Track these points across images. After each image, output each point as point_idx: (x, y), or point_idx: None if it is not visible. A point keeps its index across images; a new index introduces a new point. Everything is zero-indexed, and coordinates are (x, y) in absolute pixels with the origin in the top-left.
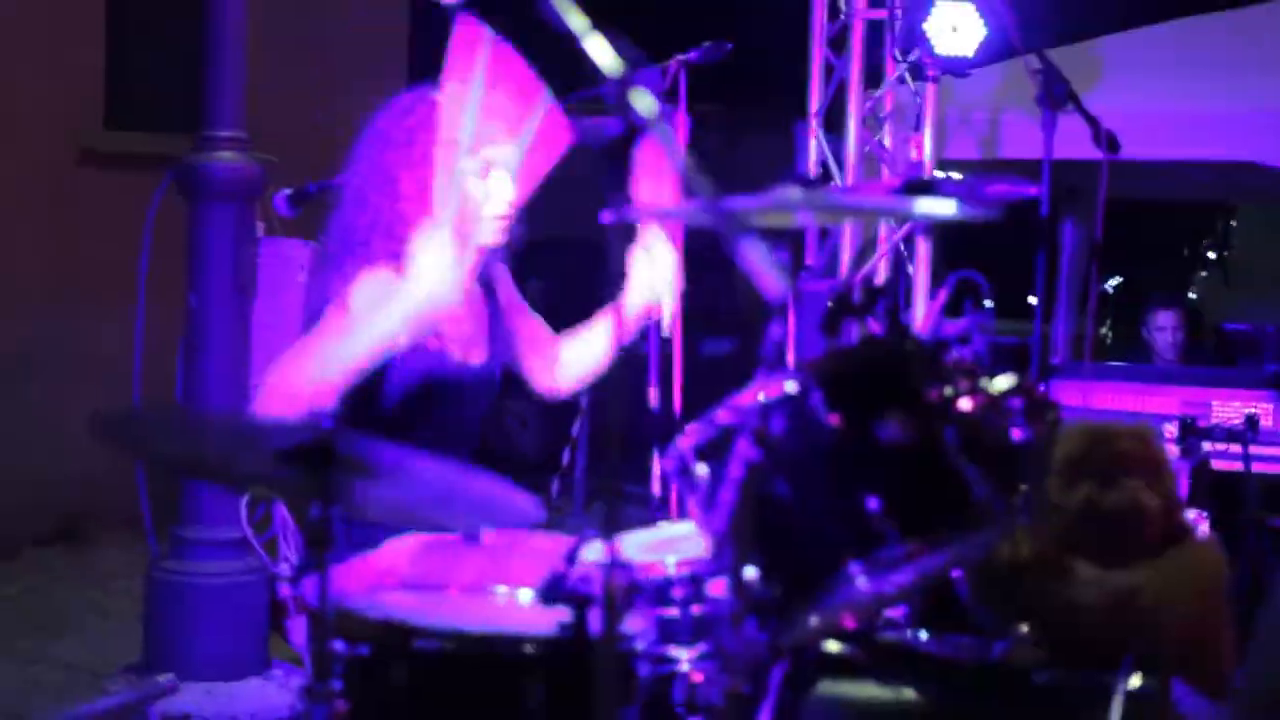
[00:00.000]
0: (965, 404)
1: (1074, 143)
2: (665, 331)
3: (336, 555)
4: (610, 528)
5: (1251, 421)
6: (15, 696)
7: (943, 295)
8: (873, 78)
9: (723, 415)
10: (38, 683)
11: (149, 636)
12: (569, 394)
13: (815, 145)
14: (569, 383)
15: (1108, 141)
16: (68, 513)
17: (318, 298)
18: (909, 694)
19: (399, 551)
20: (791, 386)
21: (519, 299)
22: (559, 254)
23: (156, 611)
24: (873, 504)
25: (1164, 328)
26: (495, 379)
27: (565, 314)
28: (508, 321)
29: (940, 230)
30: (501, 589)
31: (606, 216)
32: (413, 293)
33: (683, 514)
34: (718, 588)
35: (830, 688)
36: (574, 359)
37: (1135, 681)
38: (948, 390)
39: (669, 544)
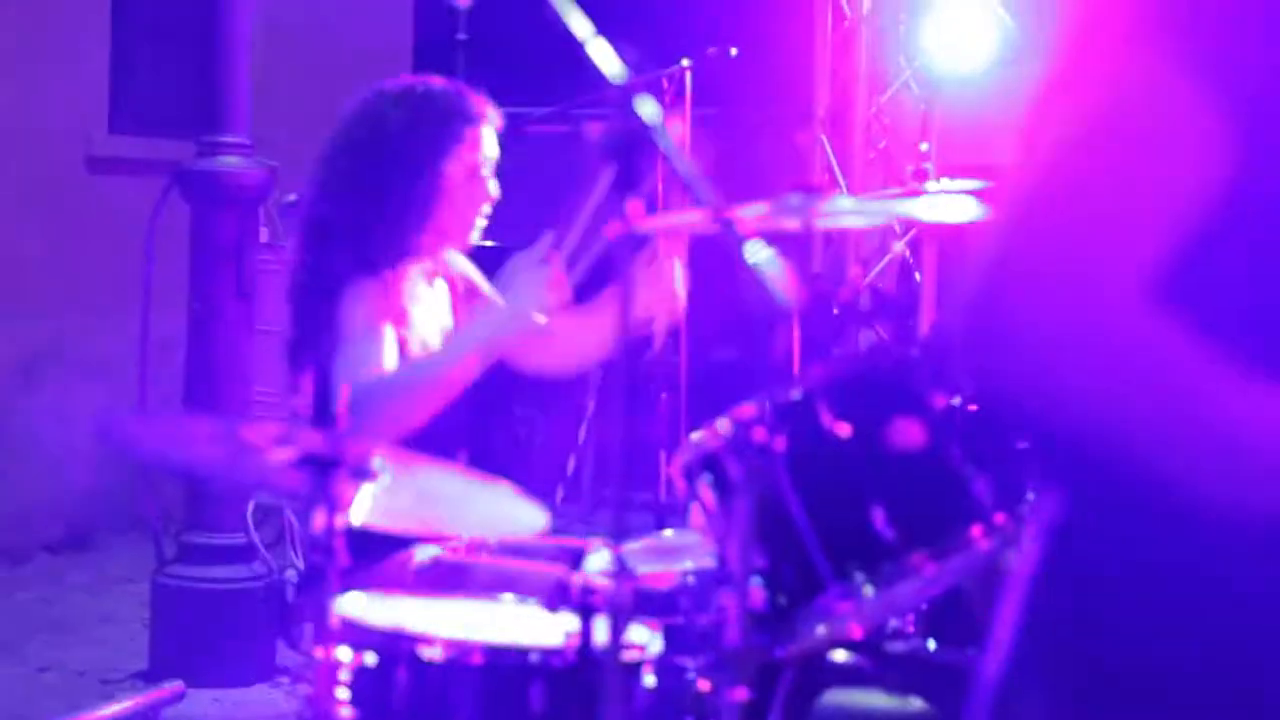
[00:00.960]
0: (972, 410)
1: None
2: (657, 346)
3: (343, 563)
4: (616, 536)
5: None
6: (23, 702)
7: None
8: (878, 83)
9: (729, 423)
10: (46, 689)
11: (156, 643)
12: (561, 374)
13: (820, 151)
14: (557, 362)
15: None
16: (77, 519)
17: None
18: (916, 703)
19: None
20: (798, 395)
21: (484, 286)
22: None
23: (163, 618)
24: (879, 513)
25: None
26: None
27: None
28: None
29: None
30: (507, 597)
31: (612, 228)
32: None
33: (689, 522)
34: (724, 596)
35: (837, 697)
36: (560, 339)
37: None
38: (955, 398)
39: (675, 552)
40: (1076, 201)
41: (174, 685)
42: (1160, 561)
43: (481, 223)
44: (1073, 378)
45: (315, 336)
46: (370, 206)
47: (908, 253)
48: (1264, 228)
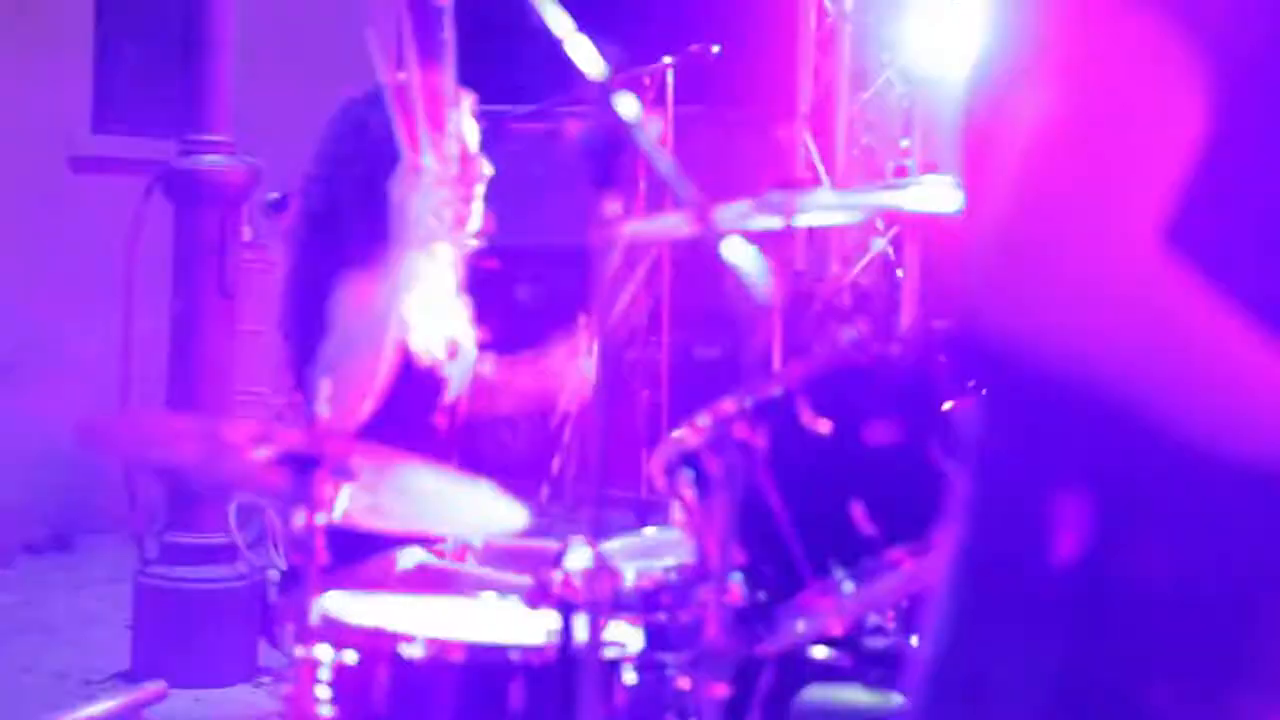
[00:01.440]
0: (952, 405)
1: None
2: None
3: (323, 562)
4: (597, 534)
5: None
6: (5, 704)
7: None
8: (861, 80)
9: (710, 420)
10: (28, 690)
11: (138, 643)
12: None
13: (803, 148)
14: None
15: None
16: (58, 520)
17: (302, 300)
18: (896, 699)
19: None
20: (778, 391)
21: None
22: (547, 261)
23: (145, 618)
24: (859, 509)
25: None
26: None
27: (552, 321)
28: None
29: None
30: (488, 595)
31: (592, 231)
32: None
33: (670, 519)
34: (704, 593)
35: (817, 693)
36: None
37: None
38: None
39: (656, 549)
40: (1080, 157)
41: (156, 685)
42: (1177, 511)
43: (475, 211)
44: (1101, 328)
45: (307, 335)
46: (359, 205)
47: (889, 249)
48: (1254, 184)
